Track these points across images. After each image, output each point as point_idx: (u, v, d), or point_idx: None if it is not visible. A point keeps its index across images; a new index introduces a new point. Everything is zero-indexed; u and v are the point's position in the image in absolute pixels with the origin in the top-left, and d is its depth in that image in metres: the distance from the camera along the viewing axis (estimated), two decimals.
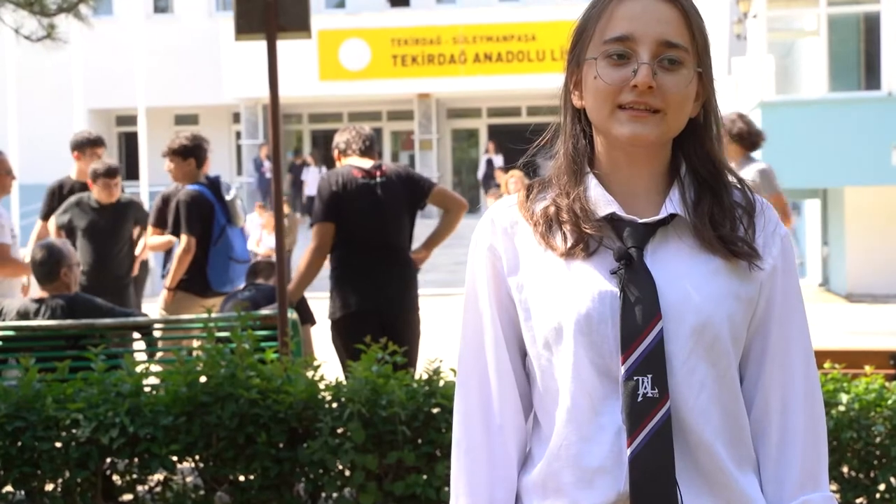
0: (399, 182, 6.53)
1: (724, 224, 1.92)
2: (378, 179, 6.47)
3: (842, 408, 5.03)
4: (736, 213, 1.94)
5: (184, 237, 7.54)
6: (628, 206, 1.93)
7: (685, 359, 1.86)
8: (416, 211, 6.64)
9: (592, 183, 1.94)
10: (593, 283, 1.89)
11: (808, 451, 1.95)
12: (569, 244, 1.91)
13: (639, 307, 1.84)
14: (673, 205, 1.92)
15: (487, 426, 2.00)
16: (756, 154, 7.41)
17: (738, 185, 1.98)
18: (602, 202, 1.92)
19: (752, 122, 7.36)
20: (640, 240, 1.89)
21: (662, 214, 1.91)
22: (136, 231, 8.63)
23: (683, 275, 1.89)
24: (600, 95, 1.90)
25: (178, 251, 7.59)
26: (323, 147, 28.34)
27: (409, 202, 6.56)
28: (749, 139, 7.21)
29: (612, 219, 1.91)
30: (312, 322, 7.26)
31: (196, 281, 7.58)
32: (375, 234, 6.42)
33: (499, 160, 26.39)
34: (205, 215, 7.60)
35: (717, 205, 1.93)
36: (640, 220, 1.90)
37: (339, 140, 6.76)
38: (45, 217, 8.76)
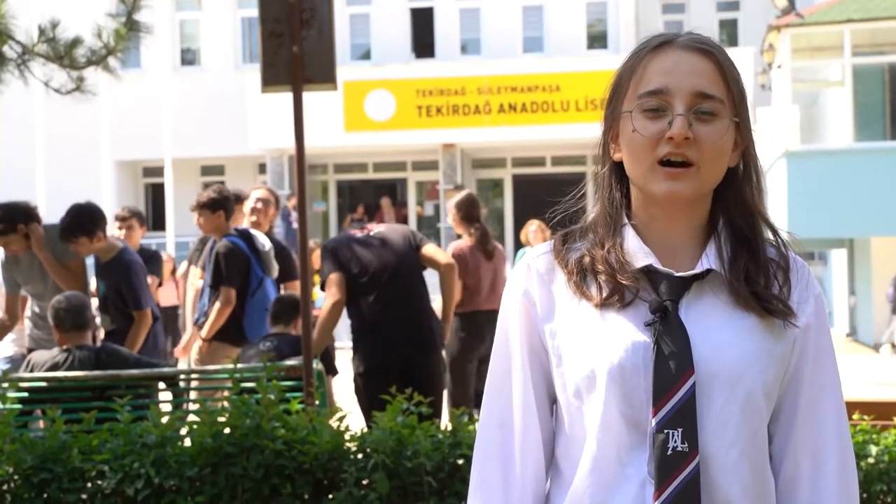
0: (394, 232, 6.77)
1: (759, 281, 1.92)
2: (373, 232, 6.71)
3: (871, 460, 4.99)
4: (771, 269, 1.94)
5: (224, 289, 7.59)
6: (665, 258, 1.93)
7: (717, 414, 1.85)
8: (419, 260, 6.73)
9: (629, 234, 1.95)
10: (627, 333, 1.88)
11: None
12: (604, 295, 1.91)
13: (672, 360, 1.83)
14: (709, 260, 1.92)
15: (506, 469, 1.99)
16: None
17: (774, 241, 1.98)
18: (639, 254, 1.92)
19: None
20: (676, 293, 1.89)
21: (699, 269, 1.91)
22: (151, 280, 8.80)
23: (717, 330, 1.88)
24: (637, 148, 1.91)
25: (218, 303, 7.64)
26: (348, 197, 28.42)
27: (409, 248, 6.68)
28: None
29: (648, 271, 1.92)
30: (334, 373, 7.26)
31: (232, 332, 7.62)
32: (384, 283, 6.50)
33: None
34: (242, 267, 7.68)
35: (752, 261, 1.93)
36: (677, 274, 1.90)
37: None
38: None
